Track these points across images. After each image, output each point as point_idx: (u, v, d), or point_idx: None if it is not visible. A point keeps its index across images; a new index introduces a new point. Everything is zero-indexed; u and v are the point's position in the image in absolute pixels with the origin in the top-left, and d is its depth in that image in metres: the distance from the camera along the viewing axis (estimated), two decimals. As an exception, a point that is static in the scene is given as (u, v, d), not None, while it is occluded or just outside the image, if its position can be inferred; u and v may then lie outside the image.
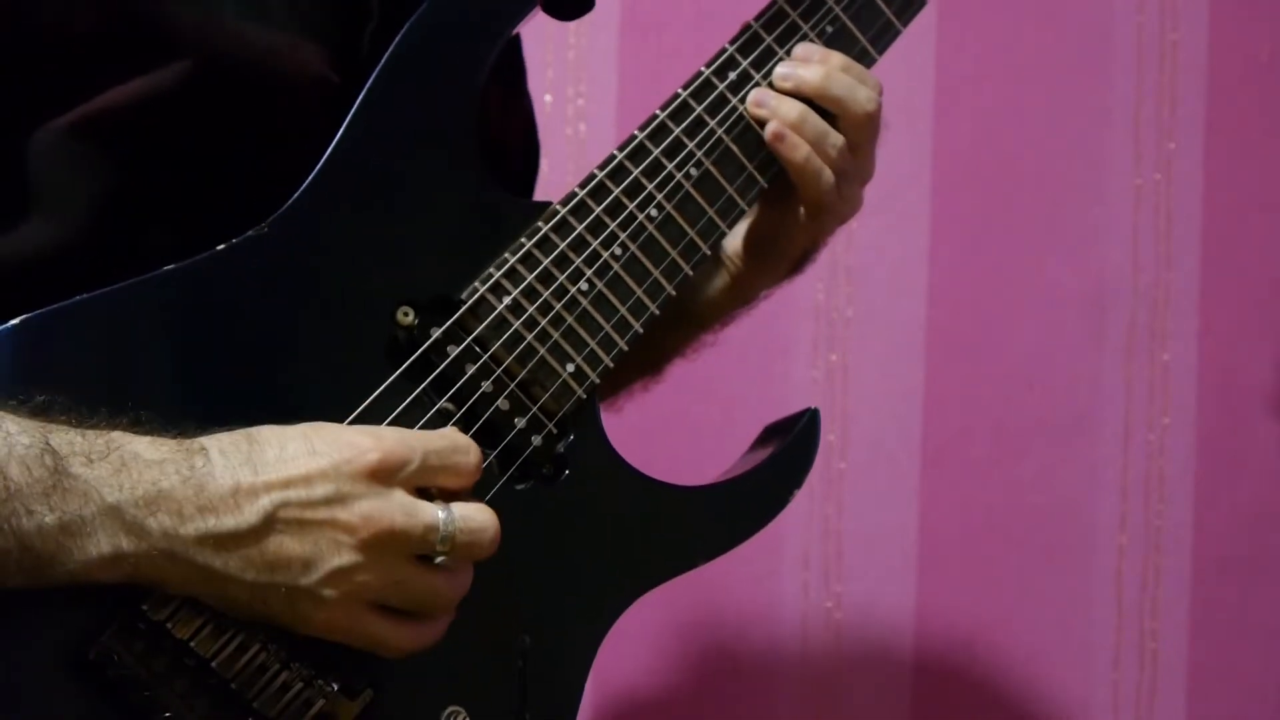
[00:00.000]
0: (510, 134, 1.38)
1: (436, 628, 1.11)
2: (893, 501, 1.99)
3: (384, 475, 1.07)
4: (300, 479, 1.05)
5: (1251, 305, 2.01)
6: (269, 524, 1.04)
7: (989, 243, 2.00)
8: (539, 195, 1.91)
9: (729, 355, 1.95)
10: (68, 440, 1.01)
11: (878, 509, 1.99)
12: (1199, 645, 2.01)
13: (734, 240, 1.38)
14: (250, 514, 1.04)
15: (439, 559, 1.09)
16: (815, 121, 1.28)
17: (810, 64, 1.29)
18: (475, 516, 1.10)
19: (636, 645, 1.94)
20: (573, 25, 1.92)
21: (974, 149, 2.00)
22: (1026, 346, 2.00)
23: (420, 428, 1.14)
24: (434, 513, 1.08)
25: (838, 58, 1.30)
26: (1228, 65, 2.00)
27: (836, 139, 1.29)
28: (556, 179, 1.94)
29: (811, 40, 1.30)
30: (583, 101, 1.95)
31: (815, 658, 1.98)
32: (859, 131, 1.31)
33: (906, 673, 1.99)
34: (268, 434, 1.07)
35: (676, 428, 1.93)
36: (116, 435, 1.03)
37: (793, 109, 1.28)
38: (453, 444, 1.11)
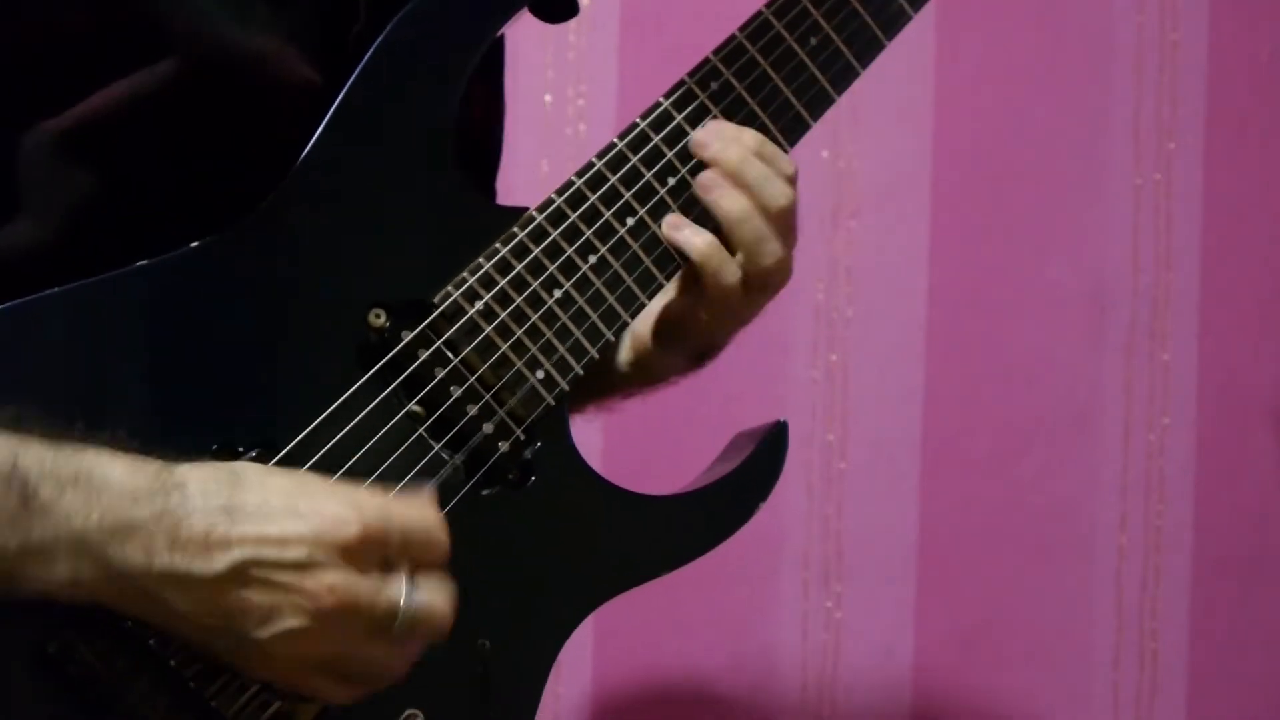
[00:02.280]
0: (488, 133, 1.38)
1: (374, 689, 1.10)
2: (893, 501, 1.99)
3: (359, 552, 1.06)
4: (275, 539, 1.04)
5: (1251, 305, 2.01)
6: (235, 576, 1.03)
7: (989, 243, 2.00)
8: (541, 195, 1.92)
9: (729, 355, 1.95)
10: (38, 459, 1.00)
11: (878, 509, 1.99)
12: (1199, 645, 2.01)
13: (644, 319, 1.33)
14: (219, 563, 1.03)
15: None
16: (758, 169, 1.24)
17: (725, 140, 1.25)
18: (435, 602, 1.08)
19: (636, 645, 1.94)
20: (572, 25, 1.92)
21: (974, 149, 1.99)
22: (1026, 346, 2.00)
23: (387, 431, 1.14)
24: (397, 595, 1.07)
25: (750, 137, 1.25)
26: (1228, 65, 2.00)
27: (779, 193, 1.25)
28: (556, 179, 1.92)
29: (793, 49, 1.28)
30: (583, 102, 1.95)
31: (815, 658, 1.98)
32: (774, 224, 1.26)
33: (906, 673, 1.99)
34: (252, 477, 1.06)
35: (676, 427, 1.93)
36: (90, 457, 1.02)
37: (734, 153, 1.24)
38: (427, 528, 1.09)
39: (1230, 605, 2.01)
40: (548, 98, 1.94)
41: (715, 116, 1.25)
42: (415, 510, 1.10)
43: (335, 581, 1.04)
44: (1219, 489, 2.00)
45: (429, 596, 1.08)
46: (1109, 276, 2.00)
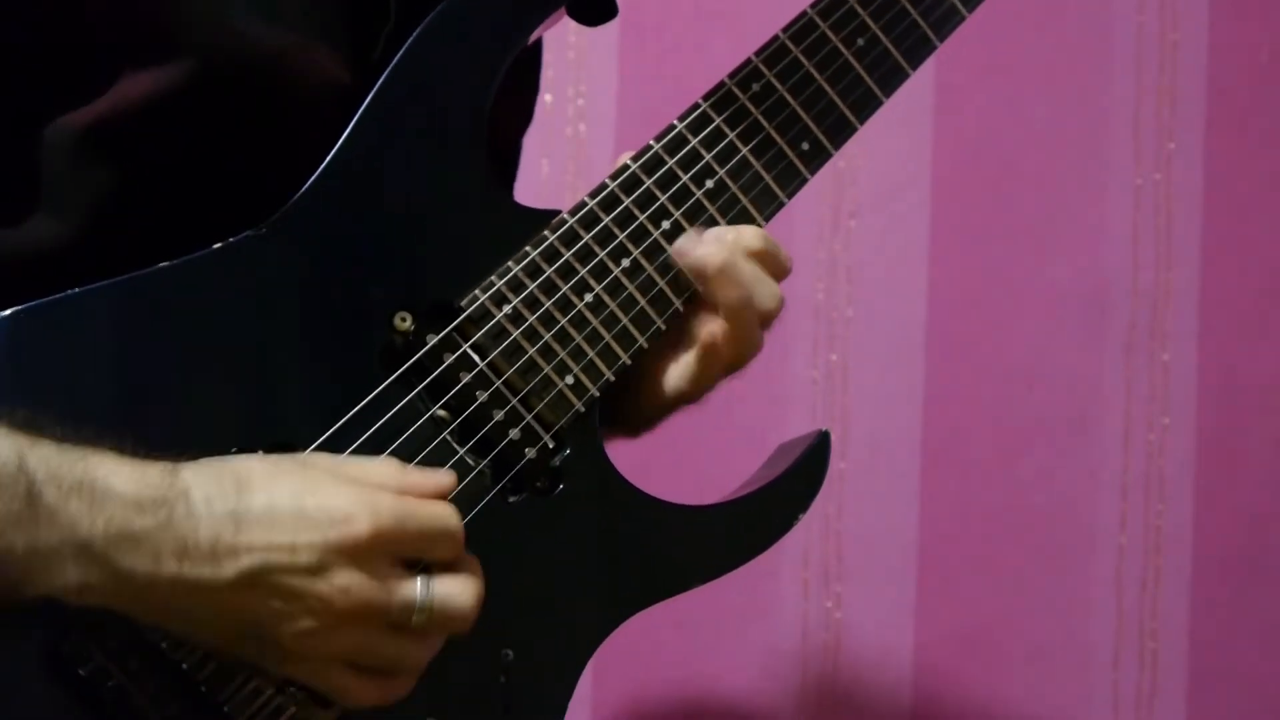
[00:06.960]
0: (512, 137, 1.37)
1: (401, 685, 1.09)
2: (893, 501, 1.99)
3: (370, 552, 1.04)
4: (285, 545, 1.02)
5: (1251, 305, 2.01)
6: (246, 582, 1.02)
7: (989, 243, 2.00)
8: (540, 196, 1.92)
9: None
10: (44, 459, 0.99)
11: (878, 509, 1.99)
12: (1199, 645, 2.01)
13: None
14: (228, 570, 1.01)
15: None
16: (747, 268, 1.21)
17: (714, 242, 1.21)
18: (455, 595, 1.07)
19: (636, 644, 1.94)
20: (572, 25, 1.91)
21: (974, 149, 1.99)
22: (1026, 346, 2.00)
23: (411, 434, 1.13)
24: (413, 591, 1.06)
25: (750, 235, 1.22)
26: (1228, 65, 2.00)
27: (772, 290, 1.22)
28: (556, 178, 1.94)
29: (839, 50, 1.25)
30: (583, 101, 1.95)
31: (815, 658, 1.98)
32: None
33: (906, 673, 1.99)
34: (258, 477, 1.04)
35: (676, 426, 1.92)
36: (94, 462, 1.00)
37: (720, 252, 1.20)
38: (443, 526, 1.08)
39: (1230, 605, 2.01)
40: (548, 98, 1.94)
41: (756, 119, 1.24)
42: (429, 508, 1.08)
43: (347, 583, 1.03)
44: (1219, 489, 2.01)
45: (448, 589, 1.07)
46: (1109, 276, 2.00)
